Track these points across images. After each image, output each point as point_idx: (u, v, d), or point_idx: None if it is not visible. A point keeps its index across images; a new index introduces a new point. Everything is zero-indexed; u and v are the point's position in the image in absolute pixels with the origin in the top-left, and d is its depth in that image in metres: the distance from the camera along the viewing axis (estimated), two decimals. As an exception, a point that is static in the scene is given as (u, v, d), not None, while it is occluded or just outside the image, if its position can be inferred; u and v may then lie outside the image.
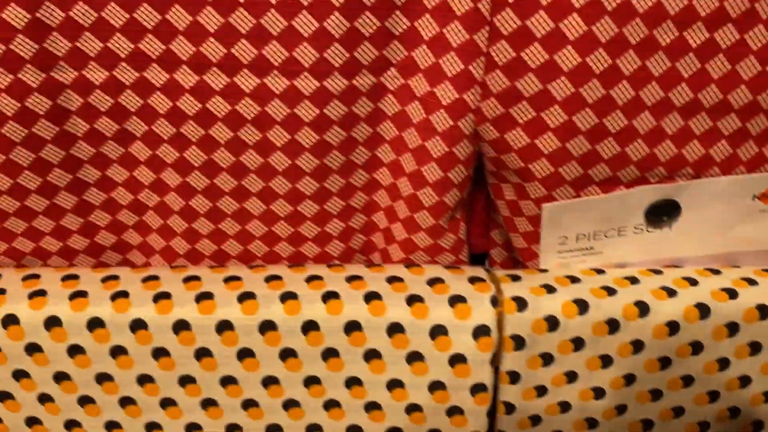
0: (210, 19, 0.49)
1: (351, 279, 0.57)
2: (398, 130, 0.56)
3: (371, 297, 0.55)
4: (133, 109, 0.53)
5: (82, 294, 0.55)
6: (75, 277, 0.57)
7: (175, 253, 0.61)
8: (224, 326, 0.55)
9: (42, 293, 0.55)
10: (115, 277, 0.57)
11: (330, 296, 0.55)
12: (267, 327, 0.55)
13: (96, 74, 0.51)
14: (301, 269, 0.59)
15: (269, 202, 0.58)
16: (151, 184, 0.57)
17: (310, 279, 0.57)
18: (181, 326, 0.54)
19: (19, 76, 0.50)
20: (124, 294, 0.55)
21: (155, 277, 0.57)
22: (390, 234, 0.61)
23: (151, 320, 0.54)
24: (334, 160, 0.56)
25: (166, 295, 0.55)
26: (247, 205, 0.58)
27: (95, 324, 0.54)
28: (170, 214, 0.59)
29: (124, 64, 0.51)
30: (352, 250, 0.62)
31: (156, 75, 0.52)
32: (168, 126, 0.54)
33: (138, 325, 0.54)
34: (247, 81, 0.52)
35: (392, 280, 0.57)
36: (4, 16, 0.48)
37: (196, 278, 0.57)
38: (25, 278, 0.57)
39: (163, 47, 0.50)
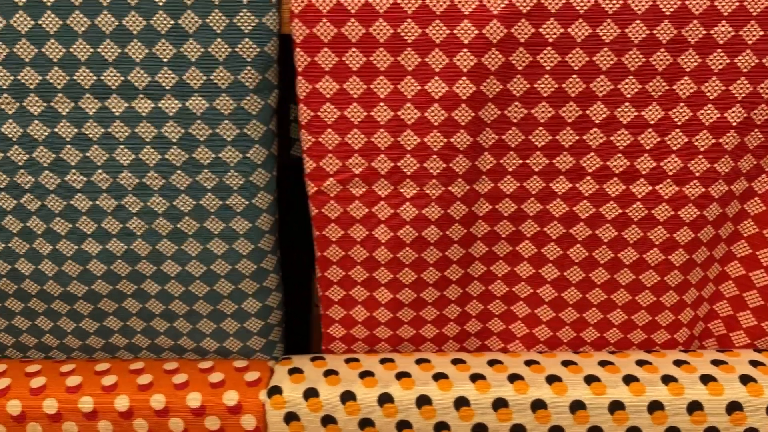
0: (622, 137, 0.58)
1: (679, 363, 0.62)
2: (758, 228, 0.63)
3: (707, 379, 0.60)
4: (531, 213, 0.62)
5: (481, 377, 0.62)
6: (462, 361, 0.65)
7: (535, 340, 0.68)
8: (576, 406, 0.60)
9: (444, 376, 0.62)
10: (499, 362, 0.65)
11: (668, 380, 0.61)
12: (615, 407, 0.60)
13: (509, 185, 0.60)
14: (626, 355, 0.65)
15: (635, 293, 0.64)
16: (528, 278, 0.65)
17: (641, 363, 0.63)
18: (577, 406, 0.60)
19: (450, 188, 0.60)
20: (519, 377, 0.62)
21: (536, 362, 0.64)
22: (734, 321, 0.66)
23: (550, 401, 0.60)
24: (700, 255, 0.63)
25: (557, 378, 0.62)
26: (615, 297, 0.64)
27: (500, 404, 0.61)
28: (540, 305, 0.66)
29: (536, 176, 0.60)
30: (690, 338, 0.68)
31: (560, 185, 0.60)
32: (558, 227, 0.62)
33: (538, 406, 0.61)
34: (641, 188, 0.59)
35: (717, 363, 0.63)
36: (452, 140, 0.58)
37: (573, 363, 0.64)
38: (418, 361, 0.65)
39: (574, 162, 0.59)
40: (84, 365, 0.67)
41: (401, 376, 0.63)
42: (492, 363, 0.65)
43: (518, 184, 0.61)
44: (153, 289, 0.64)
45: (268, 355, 0.69)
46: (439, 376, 0.63)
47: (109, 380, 0.64)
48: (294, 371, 0.64)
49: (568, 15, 0.54)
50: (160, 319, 0.66)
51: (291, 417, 0.62)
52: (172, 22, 0.54)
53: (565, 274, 0.64)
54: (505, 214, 0.62)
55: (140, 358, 0.68)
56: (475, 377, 0.63)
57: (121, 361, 0.67)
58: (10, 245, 0.62)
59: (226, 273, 0.63)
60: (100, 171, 0.59)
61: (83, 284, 0.63)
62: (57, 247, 0.62)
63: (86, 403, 0.63)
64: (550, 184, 0.61)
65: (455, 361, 0.65)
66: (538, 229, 0.63)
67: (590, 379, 0.62)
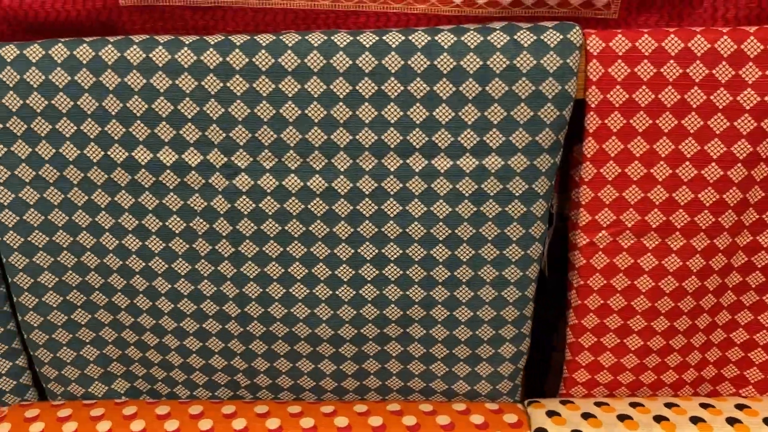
0: None
1: None
2: None
3: None
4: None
5: (737, 420, 0.65)
6: (711, 405, 0.68)
7: (771, 385, 0.71)
8: None
9: (701, 420, 0.65)
10: (747, 406, 0.67)
11: None
12: None
13: (766, 239, 0.64)
14: None
15: None
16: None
17: None
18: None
19: (714, 241, 0.63)
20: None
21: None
22: None
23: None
24: None
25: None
26: None
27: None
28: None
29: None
30: None
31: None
32: (809, 278, 0.66)
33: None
34: None
35: None
36: (724, 196, 0.62)
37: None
38: (667, 405, 0.67)
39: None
40: (343, 406, 0.70)
41: (659, 419, 0.66)
42: (740, 407, 0.68)
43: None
44: (418, 333, 0.68)
45: (512, 398, 0.72)
46: (696, 420, 0.66)
47: (375, 421, 0.68)
48: (552, 414, 0.68)
49: (843, 84, 0.59)
50: (418, 362, 0.69)
51: (557, 458, 0.66)
52: (479, 88, 0.59)
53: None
54: (758, 266, 0.66)
55: (389, 400, 0.72)
56: (732, 420, 0.66)
57: (376, 403, 0.71)
58: (290, 290, 0.66)
59: (490, 318, 0.67)
60: (391, 222, 0.63)
61: (354, 328, 0.67)
62: (336, 293, 0.66)
63: (359, 443, 0.66)
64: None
65: (704, 405, 0.68)
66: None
67: None
